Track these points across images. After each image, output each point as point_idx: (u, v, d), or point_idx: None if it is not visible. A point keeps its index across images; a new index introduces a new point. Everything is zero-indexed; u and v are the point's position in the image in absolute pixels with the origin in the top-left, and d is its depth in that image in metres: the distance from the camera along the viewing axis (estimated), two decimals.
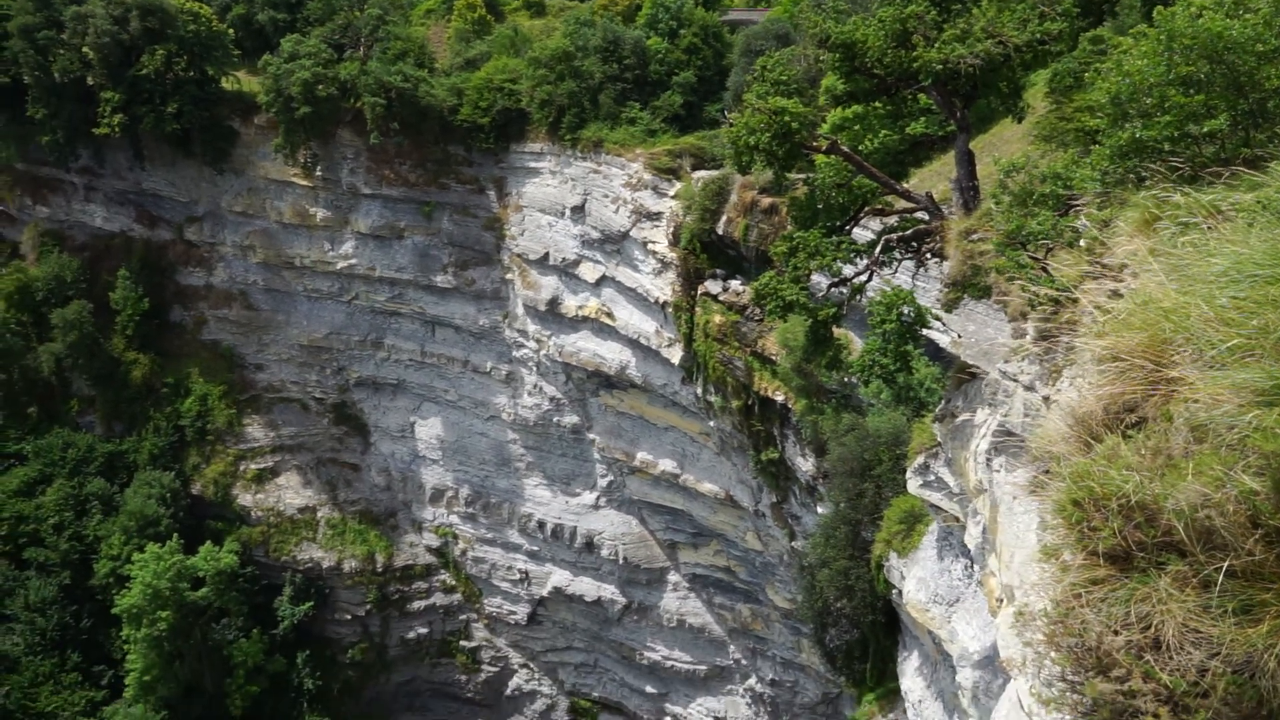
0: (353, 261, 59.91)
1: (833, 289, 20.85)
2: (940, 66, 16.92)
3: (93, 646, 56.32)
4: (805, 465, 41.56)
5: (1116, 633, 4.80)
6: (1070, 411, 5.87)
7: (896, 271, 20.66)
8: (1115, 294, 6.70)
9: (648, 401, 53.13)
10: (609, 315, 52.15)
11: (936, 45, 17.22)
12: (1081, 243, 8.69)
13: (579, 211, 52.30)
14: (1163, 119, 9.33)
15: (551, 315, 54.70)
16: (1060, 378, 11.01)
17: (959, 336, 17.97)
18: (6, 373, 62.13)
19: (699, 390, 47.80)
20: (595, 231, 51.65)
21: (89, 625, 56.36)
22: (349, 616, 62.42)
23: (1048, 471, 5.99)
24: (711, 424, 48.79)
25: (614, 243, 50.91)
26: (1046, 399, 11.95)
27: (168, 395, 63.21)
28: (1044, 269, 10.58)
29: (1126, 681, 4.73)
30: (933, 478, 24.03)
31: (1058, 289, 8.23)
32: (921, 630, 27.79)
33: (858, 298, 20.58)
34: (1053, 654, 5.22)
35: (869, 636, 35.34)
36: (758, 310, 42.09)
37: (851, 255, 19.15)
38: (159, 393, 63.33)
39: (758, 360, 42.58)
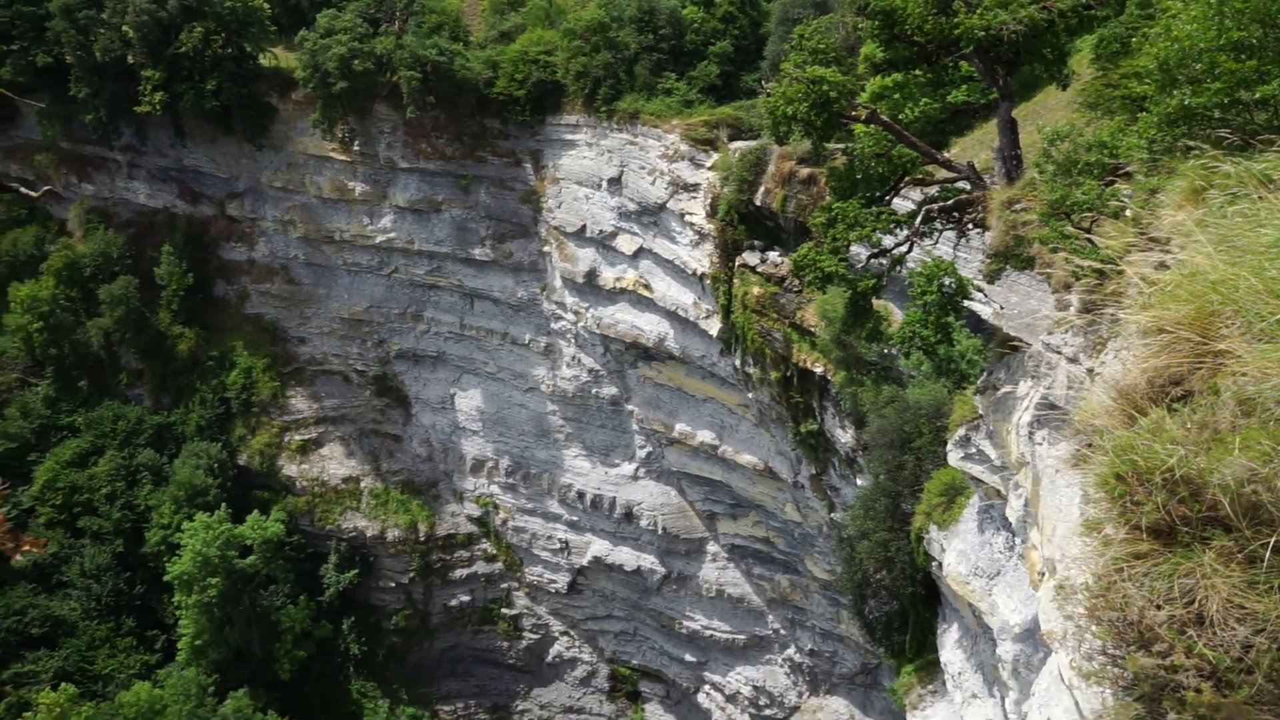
0: (391, 235, 60.35)
1: (872, 260, 20.69)
2: (982, 33, 16.61)
3: (146, 612, 57.83)
4: (844, 437, 41.43)
5: (1159, 607, 4.78)
6: (1114, 384, 5.82)
7: (937, 242, 20.43)
8: (1161, 265, 6.60)
9: (686, 373, 53.16)
10: (647, 287, 52.14)
11: (978, 11, 16.90)
12: (1127, 213, 8.55)
13: (615, 183, 52.19)
14: (1213, 85, 9.11)
15: (589, 287, 54.79)
16: (1104, 350, 10.88)
17: (1001, 308, 17.79)
18: (58, 348, 63.50)
19: (737, 362, 47.72)
20: (632, 203, 51.54)
21: (142, 591, 57.88)
22: (393, 584, 63.48)
23: (1090, 445, 5.94)
24: (750, 396, 48.74)
25: (651, 214, 50.78)
26: (1090, 372, 11.81)
27: (213, 368, 64.31)
28: (1088, 240, 10.43)
29: (1168, 656, 4.72)
30: (974, 450, 23.86)
31: (1102, 260, 8.12)
32: (962, 603, 27.72)
33: (898, 269, 20.39)
34: (1094, 628, 5.21)
35: (908, 608, 35.30)
36: (796, 281, 41.85)
37: (891, 226, 18.97)
38: (205, 366, 64.46)
39: (796, 332, 42.39)
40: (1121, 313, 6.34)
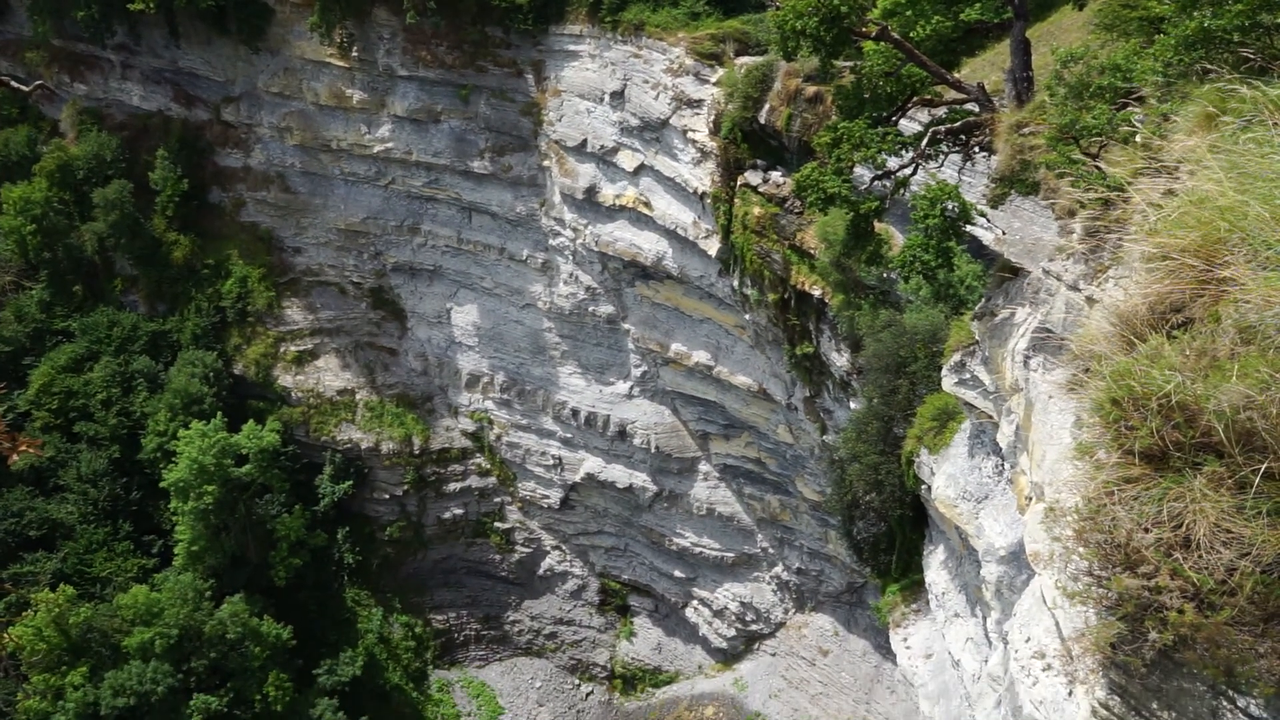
0: (389, 145, 59.48)
1: (876, 182, 20.46)
2: None
3: (143, 517, 58.53)
4: (840, 360, 41.54)
5: (1147, 530, 4.83)
6: (1114, 310, 5.78)
7: (942, 165, 20.19)
8: (1170, 192, 6.51)
9: (683, 293, 53.02)
10: (646, 205, 51.65)
11: None
12: (1138, 138, 8.40)
13: (618, 98, 51.27)
14: (1234, 7, 8.86)
15: (589, 204, 54.26)
16: (1105, 278, 10.82)
17: (1003, 234, 17.65)
18: (51, 251, 63.05)
19: (735, 283, 47.56)
20: (634, 118, 50.71)
21: (138, 497, 58.50)
22: (387, 496, 64.24)
23: (1088, 370, 5.93)
24: (747, 317, 48.71)
25: (653, 130, 50.01)
26: (1090, 299, 11.78)
27: (208, 276, 63.98)
28: (1096, 166, 10.28)
29: (1153, 578, 4.79)
30: (968, 376, 23.95)
31: (1109, 186, 8.00)
32: (949, 525, 28.14)
33: (901, 192, 20.19)
34: (1081, 549, 5.28)
35: (896, 530, 35.86)
36: (798, 203, 41.47)
37: (897, 147, 18.72)
38: (200, 274, 64.11)
39: (796, 254, 42.15)
40: (1126, 238, 6.27)
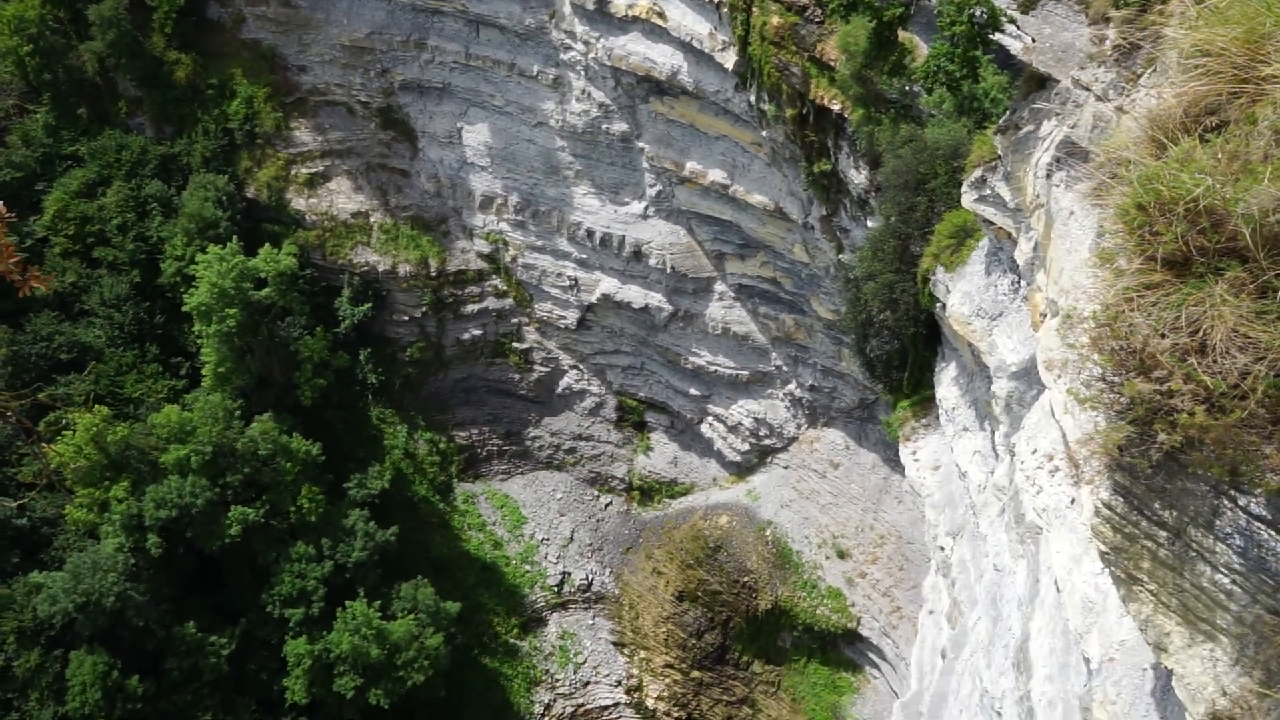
0: None
1: None
2: None
3: (168, 340, 59.64)
4: (858, 178, 40.84)
5: (1163, 336, 4.87)
6: (1147, 113, 5.61)
7: None
8: None
9: (699, 109, 51.61)
10: (660, 15, 49.50)
11: None
12: None
13: None
14: None
15: (600, 15, 52.06)
16: (1136, 87, 10.46)
17: (1033, 40, 16.94)
18: (52, 73, 61.55)
19: (752, 98, 46.19)
20: None
21: (162, 321, 59.39)
22: (406, 318, 65.00)
23: (1114, 176, 5.83)
24: (764, 134, 47.57)
25: None
26: (1119, 110, 11.44)
27: (213, 97, 62.56)
28: None
29: (1166, 382, 4.87)
30: (989, 192, 23.59)
31: None
32: (962, 342, 28.40)
33: None
34: (1095, 356, 5.34)
35: (909, 347, 36.25)
36: (819, 11, 39.73)
37: None
38: (204, 94, 62.66)
39: (815, 66, 40.71)
40: (1166, 31, 6.02)
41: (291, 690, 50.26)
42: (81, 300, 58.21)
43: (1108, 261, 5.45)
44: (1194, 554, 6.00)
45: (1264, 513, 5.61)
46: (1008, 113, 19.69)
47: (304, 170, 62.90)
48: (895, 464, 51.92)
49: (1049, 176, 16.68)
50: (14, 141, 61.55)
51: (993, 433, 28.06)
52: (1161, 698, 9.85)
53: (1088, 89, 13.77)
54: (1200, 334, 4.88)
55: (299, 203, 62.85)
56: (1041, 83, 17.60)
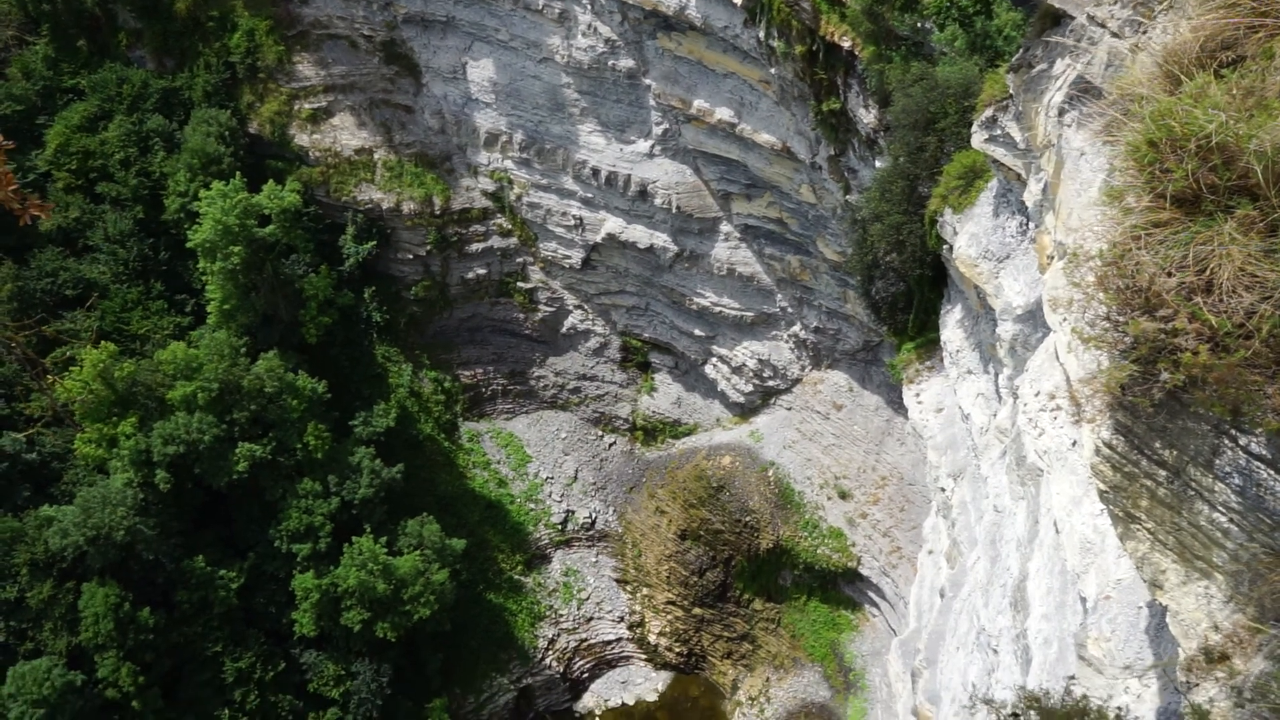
0: None
1: None
2: None
3: (173, 276, 59.57)
4: (867, 117, 40.34)
5: (1170, 274, 4.84)
6: (1162, 48, 5.51)
7: None
8: None
9: (707, 45, 50.78)
10: None
11: None
12: None
13: None
14: None
15: None
16: (1152, 23, 10.27)
17: None
18: (50, 3, 60.64)
19: (761, 34, 45.42)
20: None
21: (167, 257, 59.26)
22: (410, 256, 64.79)
23: (1126, 113, 5.74)
24: (772, 71, 46.88)
25: None
26: (1135, 47, 11.25)
27: (214, 30, 61.64)
28: None
29: (1171, 321, 4.85)
30: (999, 132, 23.33)
31: None
32: (968, 285, 28.30)
33: None
34: (1101, 295, 5.31)
35: (914, 289, 36.14)
36: None
37: None
38: (205, 27, 61.74)
39: (826, 1, 39.96)
40: None
41: (300, 623, 51.22)
42: (85, 236, 58.06)
43: (1116, 199, 5.39)
44: (1193, 493, 6.04)
45: (1264, 452, 5.64)
46: (1020, 50, 19.37)
47: (307, 105, 62.22)
48: (898, 406, 52.08)
49: (1061, 116, 16.46)
50: (14, 74, 60.90)
51: (996, 376, 28.11)
52: (1155, 634, 10.01)
53: (1103, 25, 13.53)
54: (1207, 272, 4.85)
55: (302, 139, 62.29)
56: (1056, 19, 17.30)
